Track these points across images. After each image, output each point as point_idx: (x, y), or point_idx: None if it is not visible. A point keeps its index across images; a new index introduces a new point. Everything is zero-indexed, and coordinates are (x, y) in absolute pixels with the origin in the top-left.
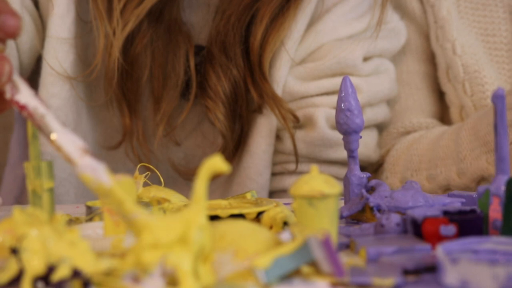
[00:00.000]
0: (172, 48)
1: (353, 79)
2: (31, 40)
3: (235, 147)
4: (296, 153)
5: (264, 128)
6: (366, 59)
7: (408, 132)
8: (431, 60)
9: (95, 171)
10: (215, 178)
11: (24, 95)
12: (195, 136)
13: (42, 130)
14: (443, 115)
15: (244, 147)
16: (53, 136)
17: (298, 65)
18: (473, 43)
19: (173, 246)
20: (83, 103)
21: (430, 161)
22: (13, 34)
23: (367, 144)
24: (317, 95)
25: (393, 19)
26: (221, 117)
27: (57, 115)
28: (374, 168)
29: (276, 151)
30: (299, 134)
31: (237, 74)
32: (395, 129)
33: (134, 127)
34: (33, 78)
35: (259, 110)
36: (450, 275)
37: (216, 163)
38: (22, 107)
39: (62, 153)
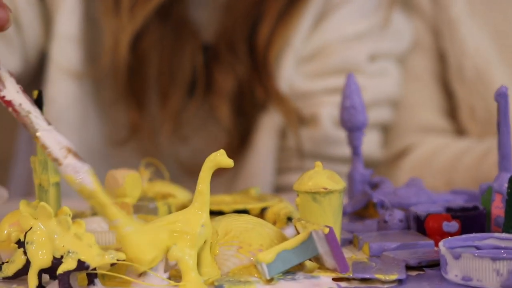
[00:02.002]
0: (179, 46)
1: (358, 78)
2: (37, 37)
3: (240, 144)
4: (301, 150)
5: (269, 125)
6: (371, 59)
7: (424, 130)
8: (440, 57)
9: (78, 172)
10: (220, 173)
11: (10, 91)
12: (202, 133)
13: (27, 127)
14: (454, 114)
15: (249, 143)
16: (38, 134)
17: (303, 63)
18: (484, 44)
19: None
20: (90, 99)
21: (451, 167)
22: (1, 27)
23: (371, 142)
24: (322, 93)
25: (399, 20)
26: (226, 114)
27: (64, 112)
28: (387, 163)
29: (281, 148)
30: (304, 132)
31: (243, 71)
32: (408, 126)
33: (141, 123)
34: (36, 74)
35: (264, 107)
36: (453, 270)
37: (220, 157)
38: (8, 103)
39: (46, 152)
